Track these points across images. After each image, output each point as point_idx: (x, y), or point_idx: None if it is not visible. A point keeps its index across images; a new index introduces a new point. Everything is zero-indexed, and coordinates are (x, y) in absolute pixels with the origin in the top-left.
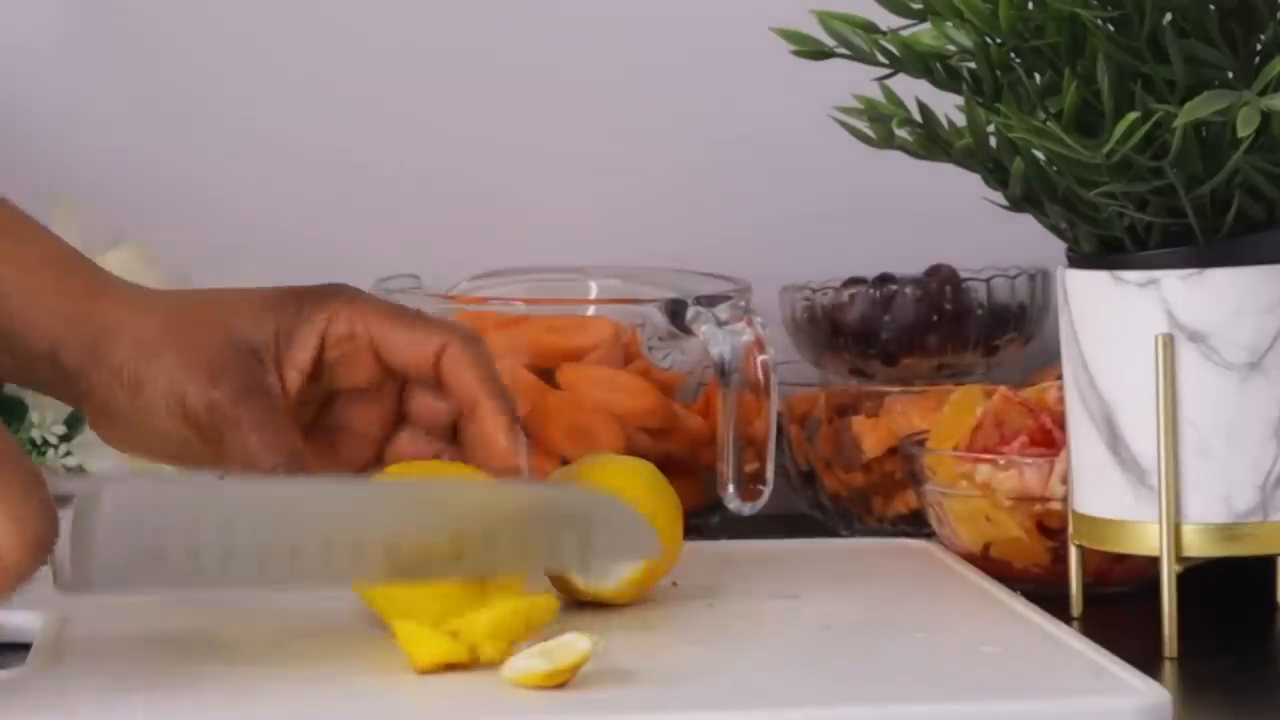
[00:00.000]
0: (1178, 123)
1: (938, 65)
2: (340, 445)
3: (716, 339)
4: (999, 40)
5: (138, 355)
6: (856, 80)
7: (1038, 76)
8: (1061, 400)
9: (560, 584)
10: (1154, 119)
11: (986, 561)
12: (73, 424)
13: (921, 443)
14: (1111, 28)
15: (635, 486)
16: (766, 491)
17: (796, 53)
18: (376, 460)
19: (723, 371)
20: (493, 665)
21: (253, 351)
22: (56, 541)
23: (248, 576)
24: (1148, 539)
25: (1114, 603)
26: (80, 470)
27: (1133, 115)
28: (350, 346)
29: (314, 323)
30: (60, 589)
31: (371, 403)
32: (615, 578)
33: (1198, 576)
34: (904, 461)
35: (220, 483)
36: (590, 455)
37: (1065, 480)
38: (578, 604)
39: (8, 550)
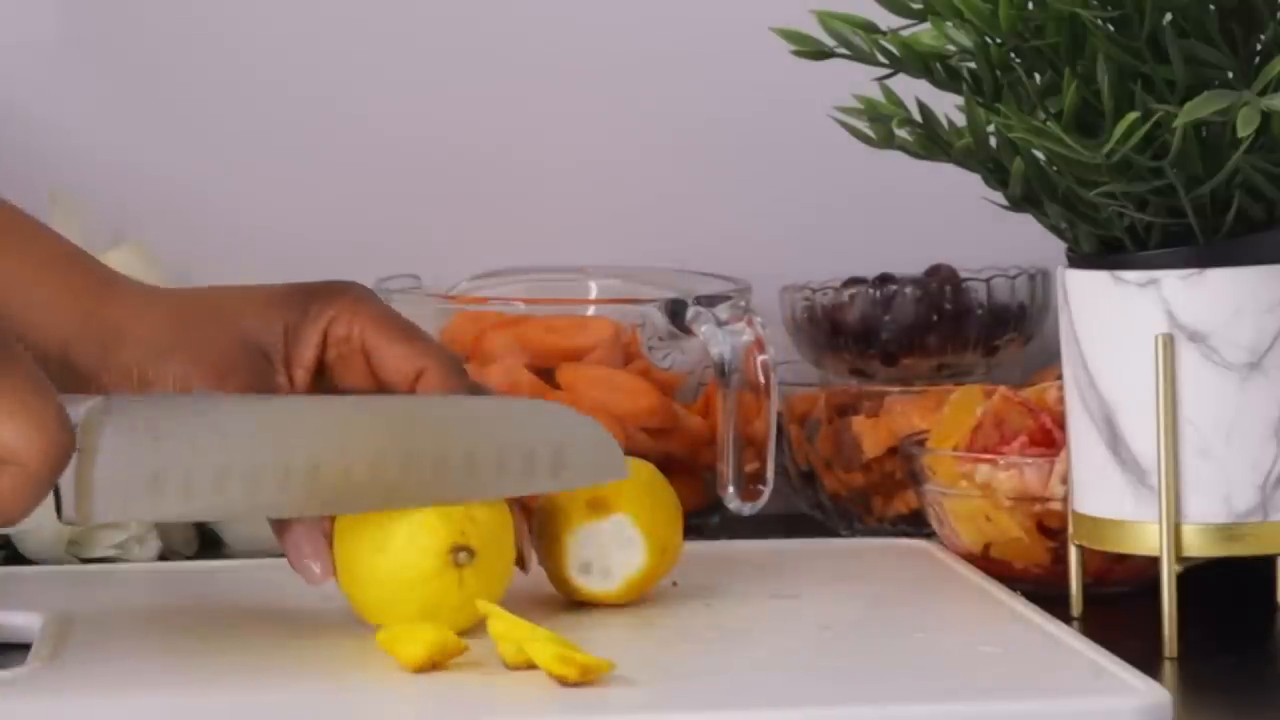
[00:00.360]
0: (1178, 123)
1: (938, 65)
2: None
3: (716, 339)
4: (999, 40)
5: (146, 355)
6: (856, 80)
7: (1038, 76)
8: (1061, 400)
9: (560, 584)
10: (1154, 119)
11: (986, 561)
12: None
13: (921, 443)
14: (1111, 28)
15: (635, 486)
16: (766, 491)
17: (796, 53)
18: None
19: (723, 371)
20: (484, 661)
21: (261, 351)
22: (72, 451)
23: (241, 499)
24: (1148, 539)
25: (1114, 603)
26: None
27: (1133, 115)
28: (346, 348)
29: (318, 321)
30: (63, 519)
31: None
32: (615, 578)
33: (1198, 576)
34: (904, 461)
35: (215, 401)
36: None
37: (1065, 480)
38: (577, 604)
39: (31, 458)
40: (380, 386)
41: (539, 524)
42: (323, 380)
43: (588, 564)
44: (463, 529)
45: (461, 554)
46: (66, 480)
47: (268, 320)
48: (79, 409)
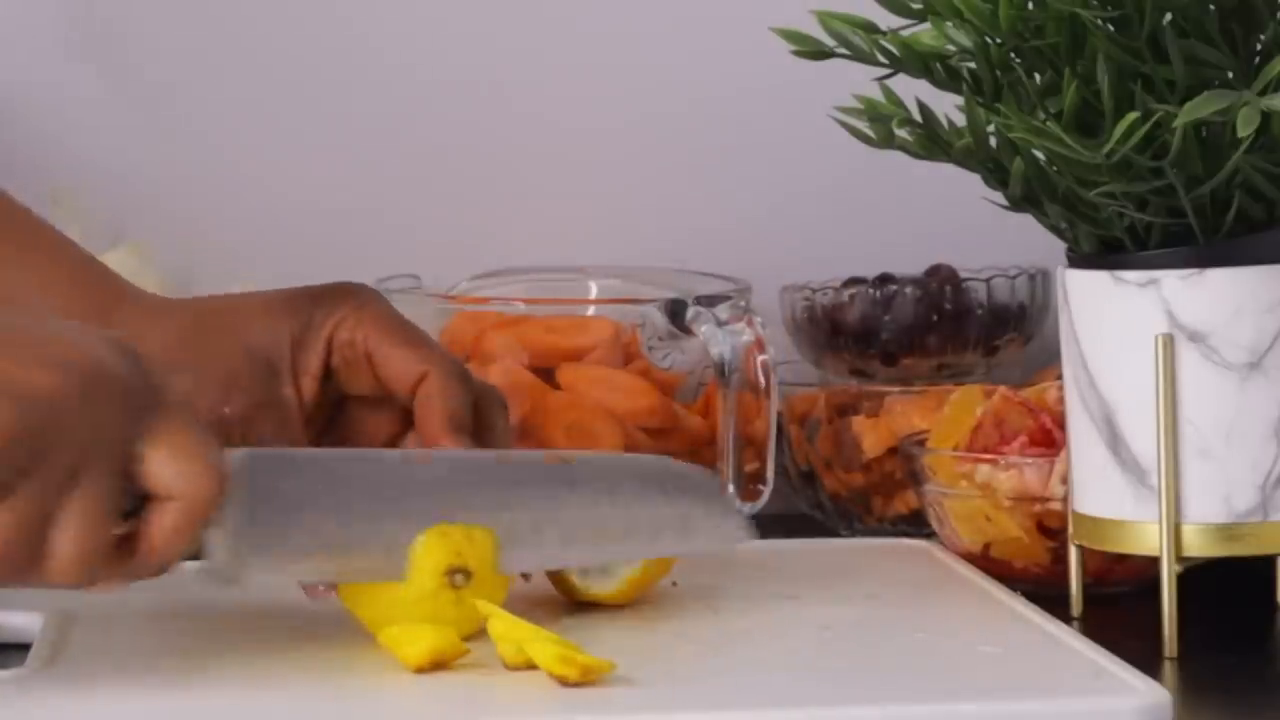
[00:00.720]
0: (1178, 123)
1: (938, 65)
2: (353, 446)
3: (716, 339)
4: (999, 40)
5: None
6: (856, 80)
7: (1038, 76)
8: (1061, 400)
9: (559, 584)
10: (1154, 119)
11: (986, 561)
12: None
13: (921, 443)
14: (1111, 28)
15: None
16: (766, 491)
17: (796, 53)
18: None
19: (723, 371)
20: (485, 662)
21: (268, 362)
22: (228, 489)
23: (388, 563)
24: (1148, 539)
25: (1114, 603)
26: None
27: (1133, 115)
28: (351, 353)
29: (322, 328)
30: (213, 574)
31: (377, 410)
32: (615, 578)
33: (1198, 576)
34: (904, 461)
35: (371, 460)
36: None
37: (1065, 480)
38: (578, 605)
39: (189, 489)
40: (383, 391)
41: None
42: (330, 385)
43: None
44: (459, 550)
45: (458, 576)
46: (217, 541)
47: (273, 330)
48: (227, 460)
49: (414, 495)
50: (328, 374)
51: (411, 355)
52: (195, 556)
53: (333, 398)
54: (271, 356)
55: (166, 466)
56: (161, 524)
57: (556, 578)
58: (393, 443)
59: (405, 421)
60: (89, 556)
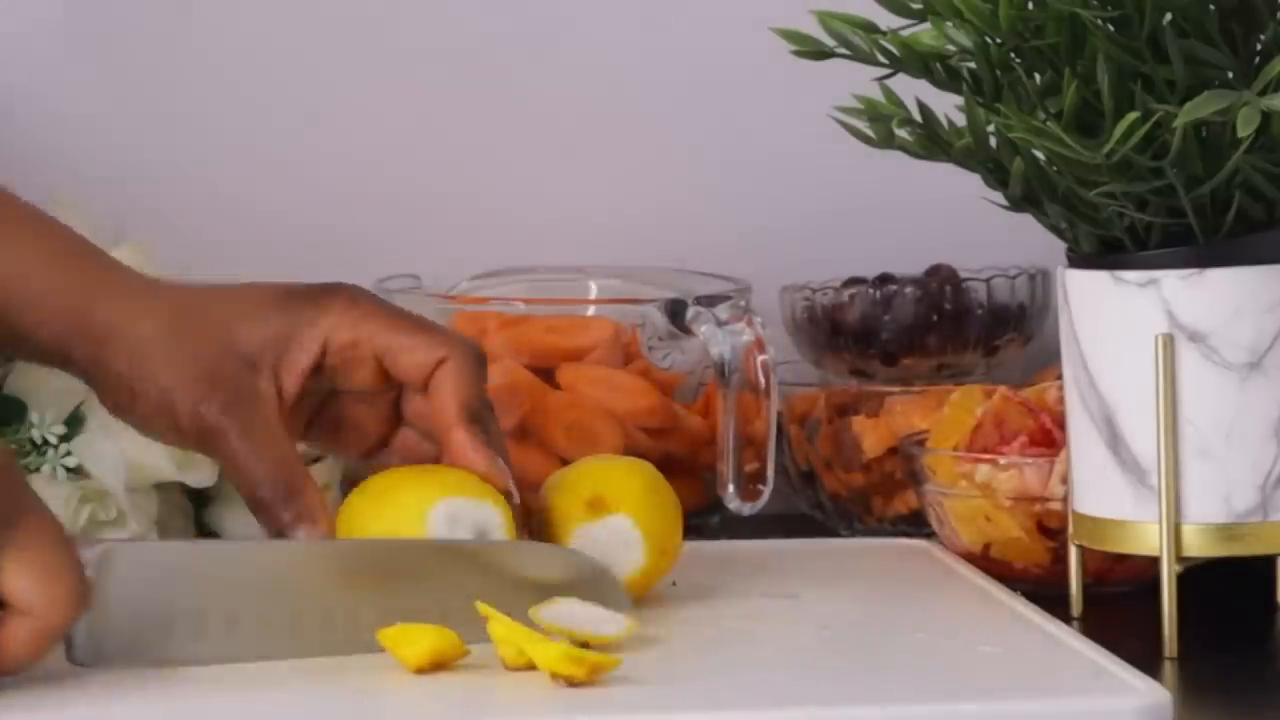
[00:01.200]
0: (1178, 123)
1: (938, 65)
2: (343, 436)
3: (716, 339)
4: (999, 40)
5: (134, 364)
6: (856, 80)
7: (1038, 76)
8: (1061, 400)
9: None
10: (1154, 119)
11: (986, 561)
12: (73, 424)
13: (921, 443)
14: (1111, 28)
15: (635, 486)
16: (766, 491)
17: (796, 53)
18: (380, 448)
19: (723, 371)
20: (485, 663)
21: (247, 358)
22: (87, 605)
23: (250, 645)
24: (1148, 539)
25: (1114, 603)
26: (80, 471)
27: (1133, 115)
28: (353, 354)
29: (317, 327)
30: (74, 661)
31: (371, 403)
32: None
33: (1198, 576)
34: (904, 461)
35: (223, 546)
36: (590, 455)
37: (1065, 480)
38: None
39: (44, 608)
40: (393, 383)
41: (539, 525)
42: (319, 380)
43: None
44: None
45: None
46: (79, 624)
47: (261, 322)
48: (91, 553)
49: (272, 576)
50: (316, 370)
51: (426, 341)
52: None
53: (322, 390)
54: (252, 352)
55: (24, 582)
56: (15, 635)
57: None
58: (384, 436)
59: (395, 414)
60: None
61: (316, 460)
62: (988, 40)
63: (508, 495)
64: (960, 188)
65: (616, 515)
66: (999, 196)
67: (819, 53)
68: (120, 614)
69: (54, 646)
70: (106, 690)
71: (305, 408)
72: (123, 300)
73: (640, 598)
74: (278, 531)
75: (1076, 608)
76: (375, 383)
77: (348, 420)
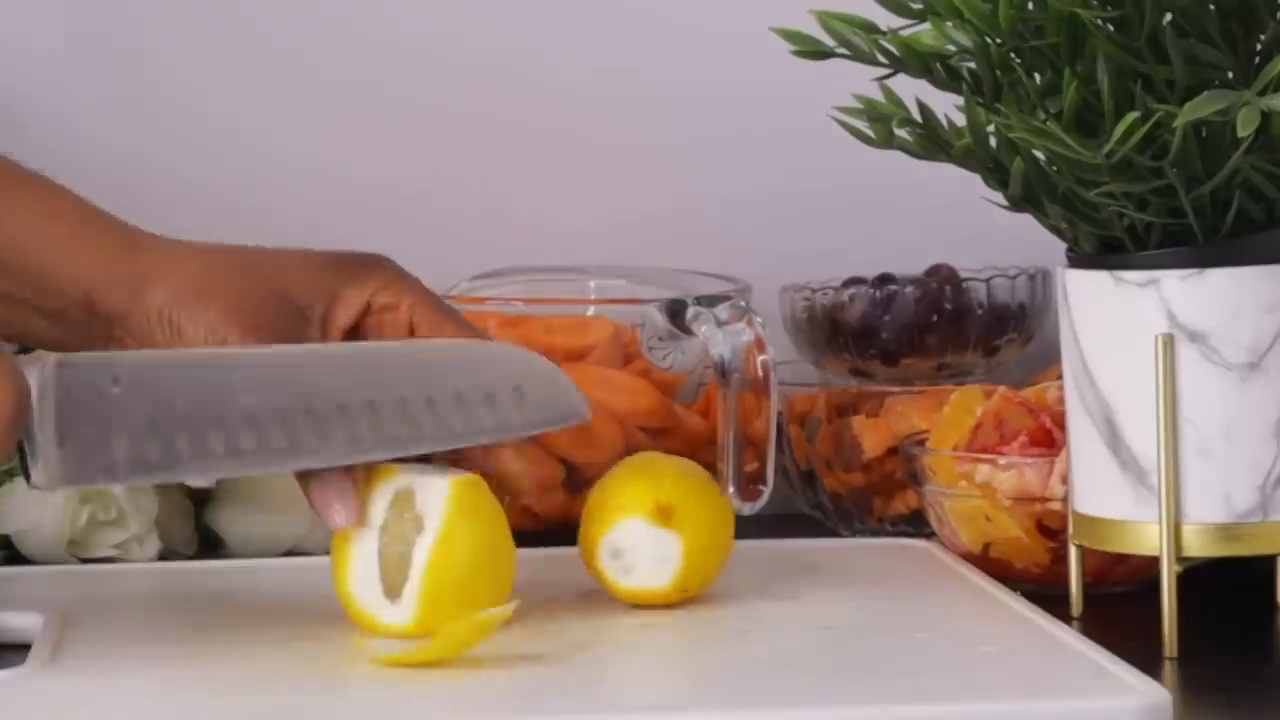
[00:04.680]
0: (1178, 123)
1: (938, 65)
2: None
3: (716, 339)
4: (999, 40)
5: (179, 299)
6: (857, 80)
7: (1038, 76)
8: (1061, 400)
9: (598, 577)
10: (1154, 119)
11: (986, 561)
12: None
13: (921, 443)
14: (1111, 28)
15: (707, 515)
16: (766, 491)
17: (796, 53)
18: None
19: (723, 371)
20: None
21: (298, 309)
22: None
23: (190, 451)
24: (1148, 539)
25: (1114, 603)
26: None
27: (1133, 115)
28: (391, 317)
29: (364, 287)
30: (32, 484)
31: None
32: (630, 584)
33: (1198, 576)
34: (904, 461)
35: (172, 353)
36: (593, 455)
37: (1065, 480)
38: (579, 604)
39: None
40: None
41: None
42: (354, 340)
43: (620, 553)
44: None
45: None
46: (35, 443)
47: (311, 281)
48: (33, 369)
49: (221, 381)
50: (354, 331)
51: (456, 330)
52: (11, 471)
53: None
54: (302, 305)
55: None
56: None
57: (593, 569)
58: None
59: None
60: None
61: None
62: (988, 40)
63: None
64: (960, 188)
65: (673, 532)
66: (999, 196)
67: (819, 53)
68: (69, 429)
69: (7, 448)
70: (104, 687)
71: None
72: (162, 248)
73: (645, 606)
74: (303, 476)
75: (1076, 608)
76: None
77: None
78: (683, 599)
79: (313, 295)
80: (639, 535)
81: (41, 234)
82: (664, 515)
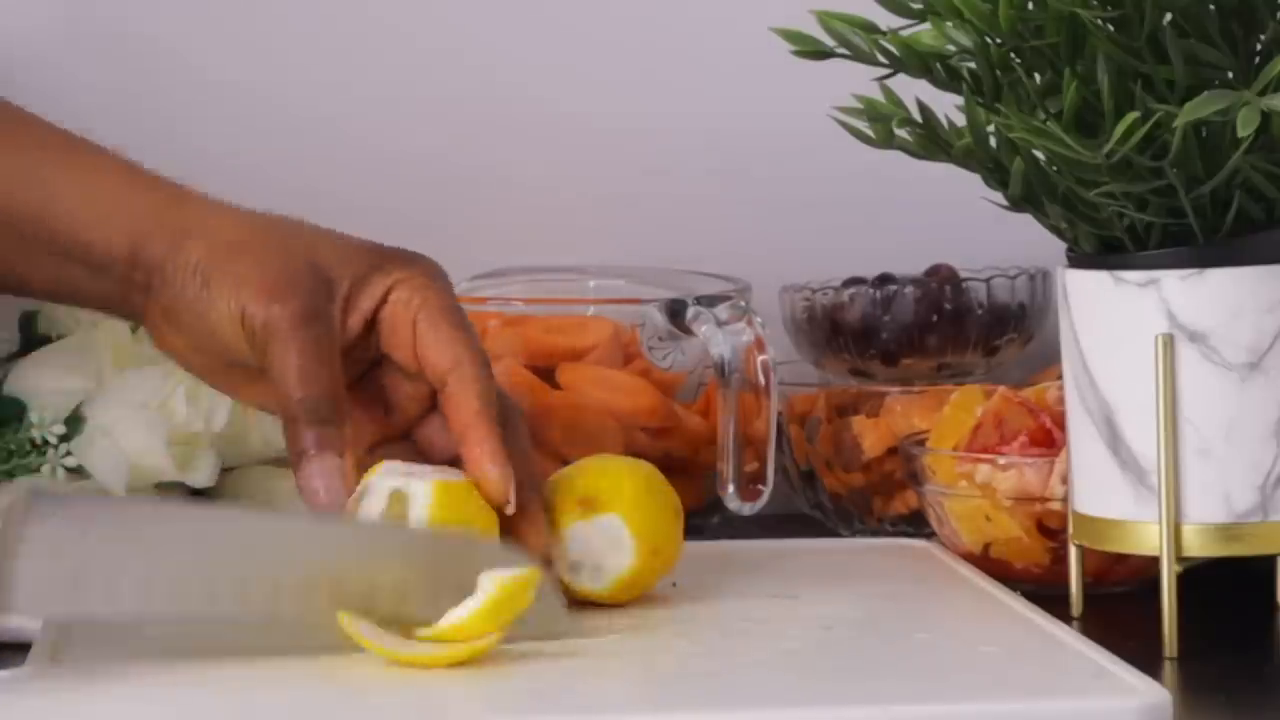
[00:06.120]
0: (1178, 123)
1: (938, 65)
2: (375, 411)
3: (716, 339)
4: (999, 40)
5: (214, 251)
6: (857, 80)
7: (1038, 76)
8: (1061, 400)
9: (583, 596)
10: (1154, 119)
11: (986, 561)
12: (73, 424)
13: (921, 443)
14: (1111, 28)
15: (635, 486)
16: (766, 491)
17: (796, 53)
18: (404, 436)
19: (723, 371)
20: (481, 662)
21: (327, 282)
22: None
23: (165, 607)
24: (1148, 539)
25: (1114, 603)
26: (80, 471)
27: (1133, 115)
28: (403, 312)
29: (389, 276)
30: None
31: (411, 380)
32: (606, 579)
33: (1198, 576)
34: (904, 461)
35: (143, 506)
36: (590, 455)
37: (1065, 480)
38: (575, 603)
39: None
40: (414, 366)
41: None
42: (371, 340)
43: (578, 563)
44: None
45: None
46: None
47: (344, 260)
48: (4, 498)
49: (190, 541)
50: (372, 325)
51: (454, 340)
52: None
53: (372, 355)
54: (332, 279)
55: None
56: None
57: (578, 592)
58: (418, 418)
59: (433, 401)
60: None
61: None
62: (988, 40)
63: (505, 504)
64: (960, 188)
65: (607, 515)
66: (999, 196)
67: (819, 53)
68: (28, 564)
69: None
70: (104, 687)
71: (350, 369)
72: (207, 203)
73: (633, 598)
74: (297, 453)
75: (1076, 608)
76: (408, 355)
77: (388, 395)
78: (655, 564)
79: (343, 273)
80: (583, 536)
81: (89, 189)
82: (588, 506)
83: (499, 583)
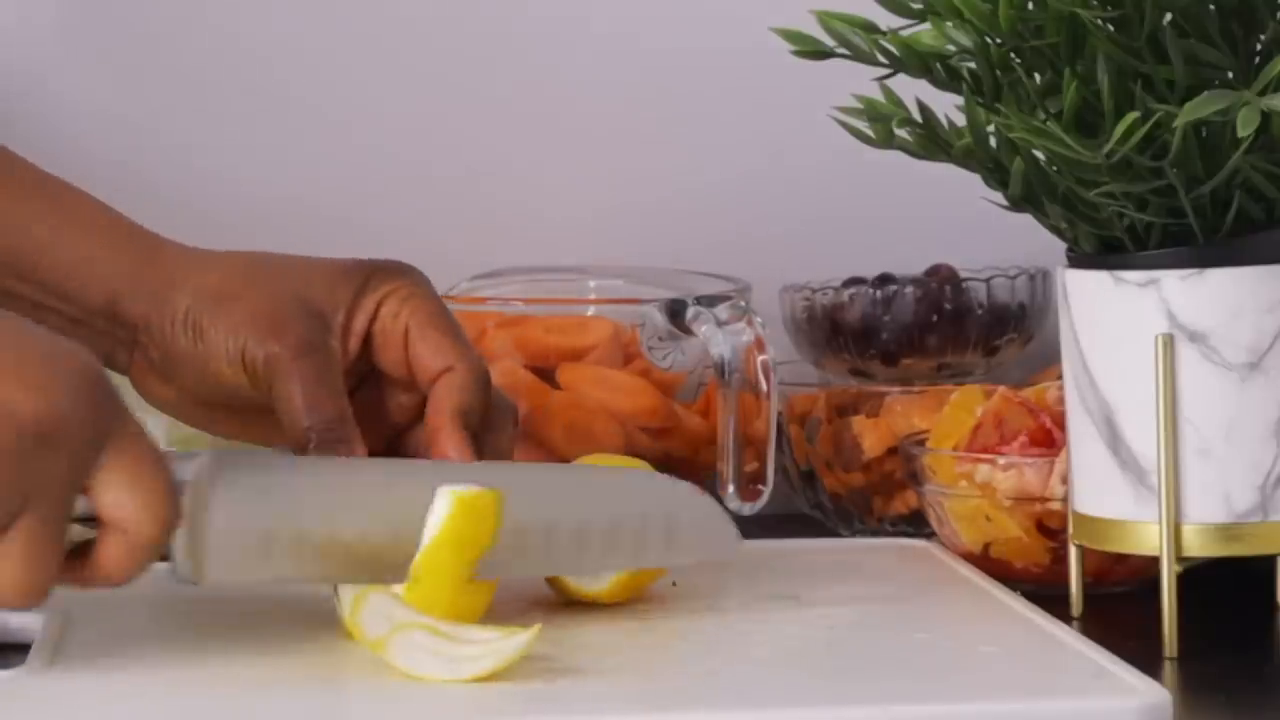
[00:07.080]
0: (1178, 123)
1: (938, 65)
2: (372, 419)
3: (716, 339)
4: (999, 40)
5: (202, 302)
6: (857, 80)
7: (1038, 76)
8: (1061, 400)
9: (553, 583)
10: (1154, 119)
11: (986, 561)
12: None
13: (921, 443)
14: (1111, 28)
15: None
16: (766, 491)
17: (796, 53)
18: (385, 449)
19: (723, 371)
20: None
21: (319, 315)
22: (181, 520)
23: (352, 567)
24: (1148, 539)
25: (1114, 603)
26: None
27: (1133, 115)
28: (392, 325)
29: (375, 293)
30: (178, 579)
31: (402, 392)
32: (604, 578)
33: (1198, 576)
34: (904, 461)
35: (322, 466)
36: (590, 455)
37: (1065, 480)
38: (574, 603)
39: (138, 523)
40: (408, 374)
41: None
42: (366, 352)
43: None
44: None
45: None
46: (180, 542)
47: (331, 288)
48: (188, 467)
49: (370, 495)
50: (367, 341)
51: (444, 344)
52: (162, 557)
53: (364, 368)
54: (323, 311)
55: (117, 497)
56: (109, 552)
57: (549, 576)
58: (405, 425)
59: (420, 413)
60: (35, 584)
61: None
62: (988, 40)
63: None
64: (960, 188)
65: None
66: (999, 196)
67: (819, 53)
68: (219, 532)
69: (149, 562)
70: (104, 687)
71: (348, 377)
72: (185, 255)
73: (631, 598)
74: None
75: (1076, 608)
76: (401, 367)
77: (377, 406)
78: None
79: (333, 302)
80: None
81: (68, 242)
82: None
83: (457, 498)
